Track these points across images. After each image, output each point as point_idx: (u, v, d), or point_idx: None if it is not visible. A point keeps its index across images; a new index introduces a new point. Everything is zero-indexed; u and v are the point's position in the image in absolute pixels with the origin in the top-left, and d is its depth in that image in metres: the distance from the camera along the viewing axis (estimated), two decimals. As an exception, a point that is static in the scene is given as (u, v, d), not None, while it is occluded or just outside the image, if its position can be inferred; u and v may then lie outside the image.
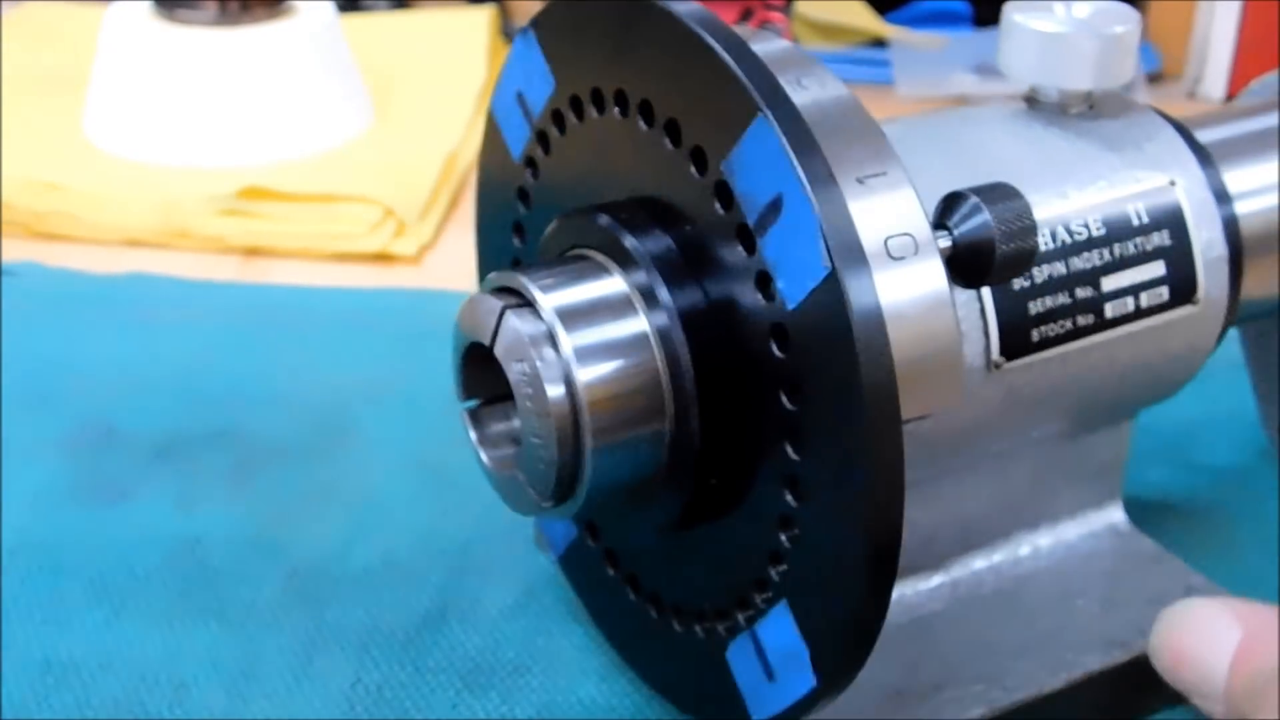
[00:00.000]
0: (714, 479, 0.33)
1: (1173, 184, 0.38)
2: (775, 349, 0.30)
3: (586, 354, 0.32)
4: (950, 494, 0.40)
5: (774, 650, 0.33)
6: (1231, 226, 0.39)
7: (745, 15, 0.90)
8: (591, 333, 0.32)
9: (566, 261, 0.34)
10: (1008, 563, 0.42)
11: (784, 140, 0.28)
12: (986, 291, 0.35)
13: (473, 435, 0.36)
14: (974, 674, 0.39)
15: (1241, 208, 0.40)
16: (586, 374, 0.32)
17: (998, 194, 0.31)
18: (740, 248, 0.31)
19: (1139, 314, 0.38)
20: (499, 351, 0.33)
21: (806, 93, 0.30)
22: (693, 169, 0.32)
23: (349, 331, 0.60)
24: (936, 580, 0.41)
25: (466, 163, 0.77)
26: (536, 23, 0.36)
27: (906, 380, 0.28)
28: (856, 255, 0.28)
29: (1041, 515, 0.42)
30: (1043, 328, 0.36)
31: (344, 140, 0.78)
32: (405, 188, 0.71)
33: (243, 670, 0.42)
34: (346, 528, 0.48)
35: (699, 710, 0.38)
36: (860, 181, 0.29)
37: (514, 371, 0.32)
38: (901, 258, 0.29)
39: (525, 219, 0.39)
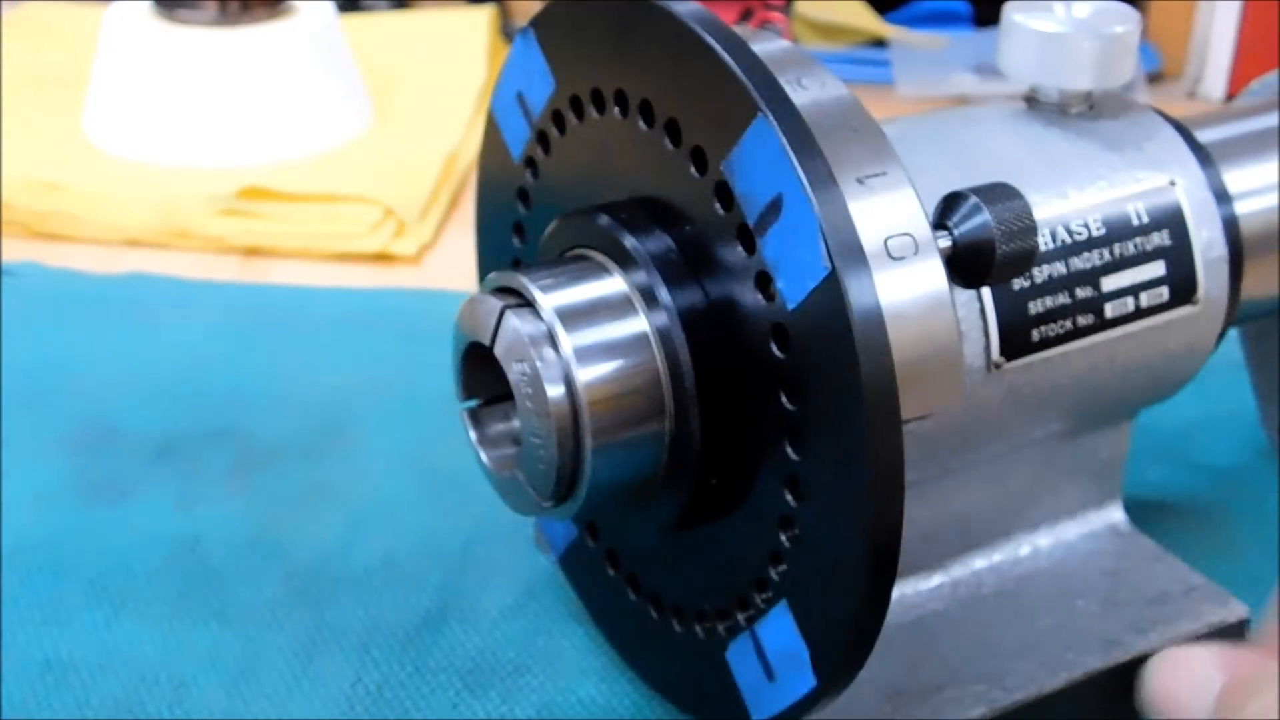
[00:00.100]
0: (714, 479, 0.33)
1: (1173, 184, 0.38)
2: (775, 349, 0.30)
3: (586, 354, 0.32)
4: (950, 494, 0.40)
5: (774, 650, 0.33)
6: (1231, 226, 0.39)
7: (745, 15, 0.90)
8: (591, 333, 0.32)
9: (566, 261, 0.34)
10: (1008, 563, 0.42)
11: (784, 140, 0.28)
12: (986, 291, 0.35)
13: (473, 435, 0.36)
14: (974, 674, 0.39)
15: (1241, 208, 0.40)
16: (586, 374, 0.32)
17: (998, 194, 0.31)
18: (740, 248, 0.31)
19: (1139, 314, 0.38)
20: (499, 351, 0.33)
21: (806, 93, 0.30)
22: (693, 169, 0.32)
23: (349, 331, 0.60)
24: (936, 580, 0.41)
25: (466, 163, 0.77)
26: (536, 23, 0.36)
27: (906, 380, 0.28)
28: (856, 255, 0.28)
29: (1041, 515, 0.42)
30: (1043, 328, 0.36)
31: (344, 140, 0.78)
32: (405, 188, 0.71)
33: (243, 670, 0.42)
34: (346, 528, 0.48)
35: (699, 710, 0.38)
36: (860, 181, 0.29)
37: (514, 371, 0.32)
38: (901, 258, 0.29)
39: (525, 219, 0.39)
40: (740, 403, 0.32)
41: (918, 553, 0.40)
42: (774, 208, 0.29)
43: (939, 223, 0.31)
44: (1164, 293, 0.38)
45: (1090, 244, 0.37)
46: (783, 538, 0.32)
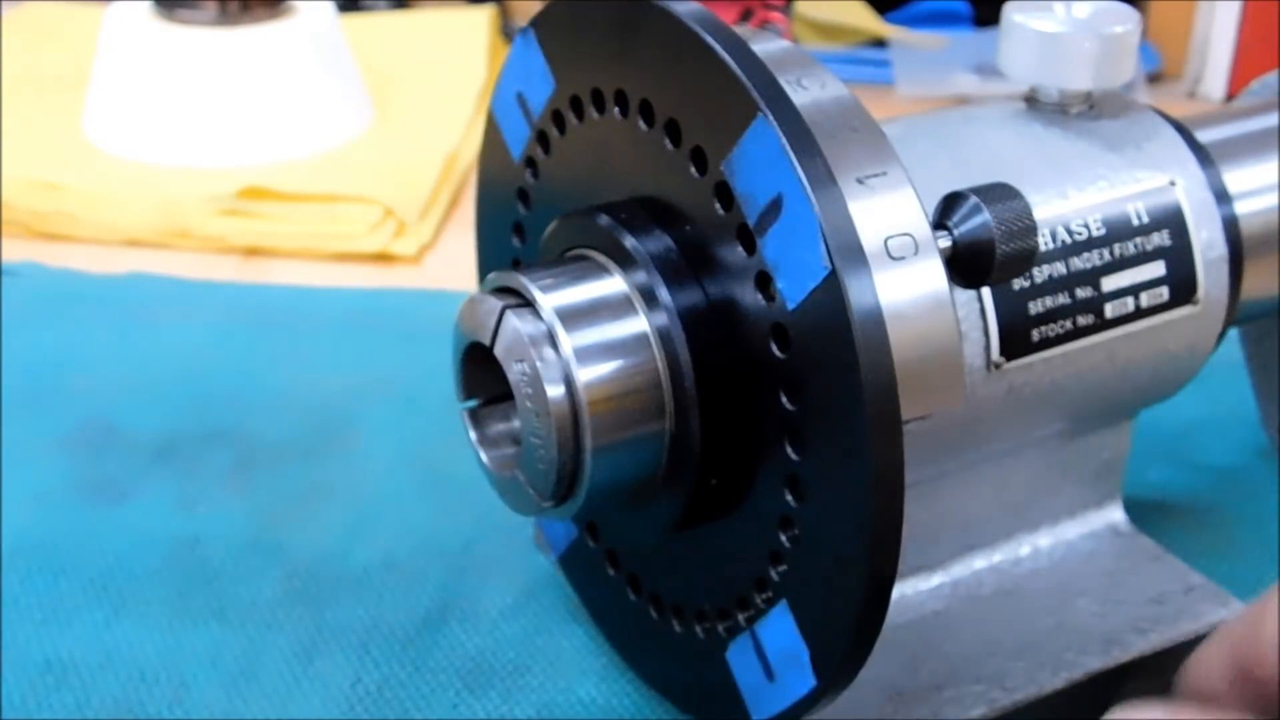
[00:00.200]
0: (714, 479, 0.33)
1: (1173, 184, 0.38)
2: (775, 349, 0.30)
3: (586, 354, 0.32)
4: (950, 494, 0.40)
5: (774, 650, 0.33)
6: (1231, 226, 0.39)
7: (745, 15, 0.90)
8: (591, 333, 0.32)
9: (566, 261, 0.34)
10: (1008, 563, 0.42)
11: (784, 140, 0.28)
12: (986, 291, 0.35)
13: (473, 435, 0.36)
14: (974, 674, 0.39)
15: (1241, 208, 0.40)
16: (586, 374, 0.32)
17: (998, 194, 0.31)
18: (740, 248, 0.31)
19: (1139, 314, 0.38)
20: (499, 351, 0.33)
21: (806, 93, 0.30)
22: (693, 169, 0.32)
23: (349, 331, 0.60)
24: (936, 580, 0.41)
25: (466, 163, 0.77)
26: (536, 23, 0.36)
27: (906, 380, 0.28)
28: (856, 255, 0.28)
29: (1042, 515, 0.42)
30: (1043, 328, 0.36)
31: (344, 140, 0.78)
32: (405, 188, 0.71)
33: (243, 670, 0.42)
34: (346, 528, 0.48)
35: (699, 710, 0.38)
36: (860, 181, 0.29)
37: (514, 371, 0.32)
38: (901, 258, 0.29)
39: (525, 219, 0.39)
40: (740, 403, 0.32)
41: (918, 553, 0.40)
42: (774, 208, 0.29)
43: (939, 223, 0.31)
44: (1164, 293, 0.38)
45: (1090, 244, 0.37)
46: (783, 538, 0.32)
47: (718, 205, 0.31)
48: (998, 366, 0.36)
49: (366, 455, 0.52)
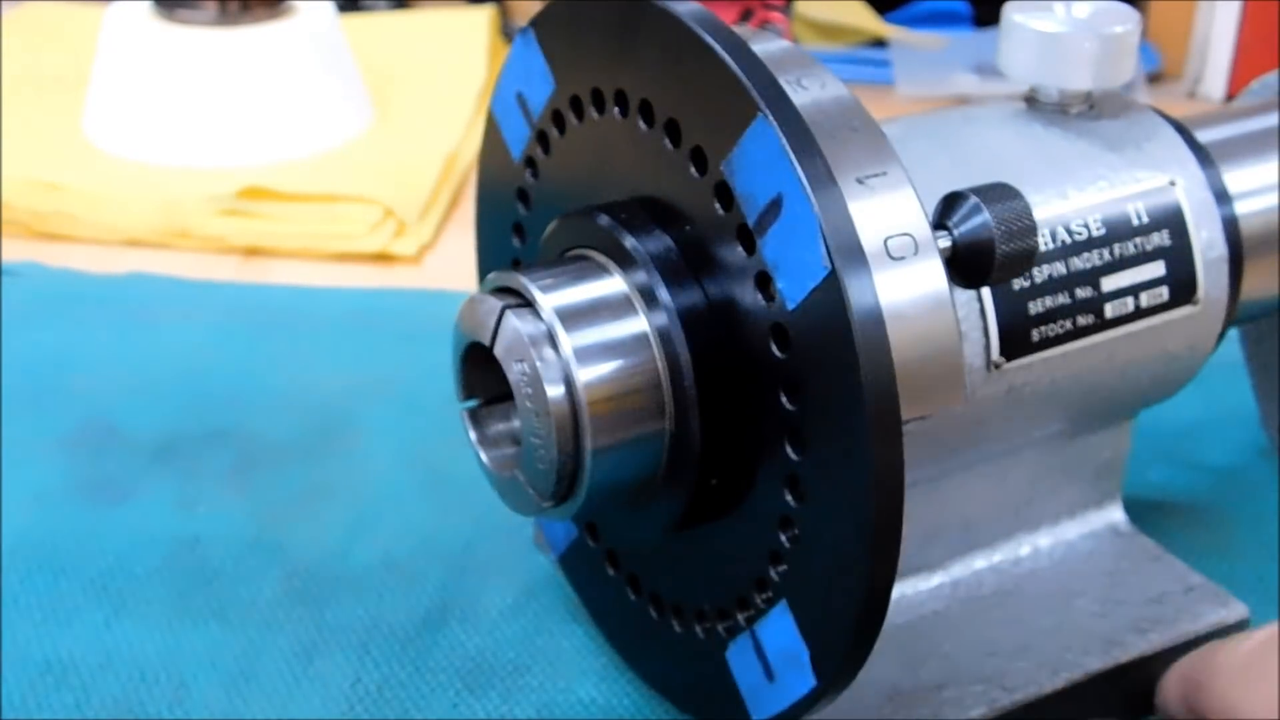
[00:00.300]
0: (714, 479, 0.33)
1: (1173, 184, 0.38)
2: (775, 349, 0.30)
3: (586, 354, 0.32)
4: (950, 494, 0.40)
5: (774, 650, 0.33)
6: (1231, 226, 0.39)
7: (745, 15, 0.90)
8: (591, 333, 0.32)
9: (566, 262, 0.34)
10: (1008, 563, 0.42)
11: (784, 140, 0.28)
12: (986, 291, 0.35)
13: (473, 435, 0.36)
14: (974, 674, 0.39)
15: (1241, 208, 0.40)
16: (586, 374, 0.32)
17: (998, 194, 0.31)
18: (740, 248, 0.31)
19: (1139, 314, 0.38)
20: (499, 351, 0.33)
21: (806, 93, 0.30)
22: (693, 169, 0.32)
23: (349, 331, 0.60)
24: (936, 580, 0.41)
25: (466, 163, 0.77)
26: (536, 23, 0.36)
27: (906, 380, 0.28)
28: (856, 255, 0.28)
29: (1042, 515, 0.42)
30: (1043, 328, 0.36)
31: (344, 140, 0.78)
32: (405, 188, 0.71)
33: (243, 670, 0.42)
34: (346, 528, 0.48)
35: (699, 710, 0.38)
36: (860, 181, 0.29)
37: (514, 371, 0.32)
38: (901, 258, 0.29)
39: (525, 219, 0.39)
40: (740, 403, 0.32)
41: (918, 553, 0.40)
42: (774, 208, 0.29)
43: (939, 223, 0.31)
44: (1164, 293, 0.38)
45: (1090, 244, 0.37)
46: (783, 538, 0.32)
47: (718, 205, 0.31)
48: (998, 366, 0.36)
49: (366, 455, 0.52)
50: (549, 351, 0.32)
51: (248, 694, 0.41)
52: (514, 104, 0.38)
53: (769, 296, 0.30)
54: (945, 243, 0.31)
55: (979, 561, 0.42)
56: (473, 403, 0.36)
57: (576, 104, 0.35)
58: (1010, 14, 0.39)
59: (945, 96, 0.86)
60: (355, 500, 0.49)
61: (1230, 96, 0.86)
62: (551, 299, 0.32)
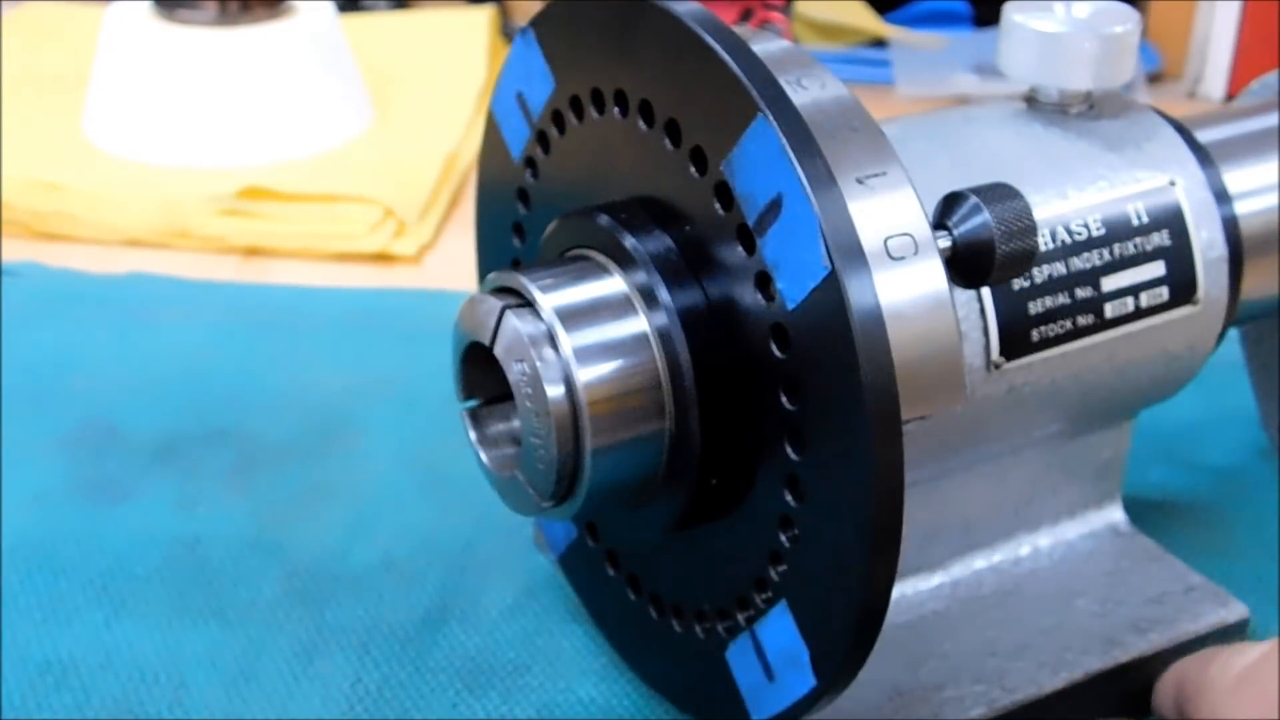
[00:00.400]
0: (714, 479, 0.33)
1: (1173, 184, 0.38)
2: (775, 349, 0.30)
3: (586, 354, 0.32)
4: (950, 494, 0.40)
5: (774, 650, 0.33)
6: (1231, 226, 0.39)
7: (745, 15, 0.90)
8: (591, 333, 0.32)
9: (566, 261, 0.34)
10: (1008, 563, 0.42)
11: (784, 140, 0.28)
12: (986, 291, 0.35)
13: (473, 435, 0.36)
14: (974, 674, 0.39)
15: (1241, 208, 0.40)
16: (586, 374, 0.32)
17: (998, 194, 0.31)
18: (740, 248, 0.31)
19: (1139, 314, 0.38)
20: (499, 351, 0.33)
21: (806, 93, 0.30)
22: (693, 169, 0.32)
23: (349, 331, 0.60)
24: (936, 580, 0.41)
25: (466, 163, 0.77)
26: (536, 23, 0.36)
27: (906, 380, 0.28)
28: (856, 255, 0.28)
29: (1042, 515, 0.42)
30: (1043, 328, 0.36)
31: (344, 140, 0.78)
32: (405, 188, 0.71)
33: (243, 670, 0.42)
34: (346, 528, 0.48)
35: (699, 710, 0.38)
36: (860, 181, 0.29)
37: (514, 371, 0.32)
38: (901, 258, 0.29)
39: (525, 219, 0.39)
40: (740, 403, 0.32)
41: (918, 553, 0.40)
42: (774, 208, 0.29)
43: (939, 223, 0.31)
44: (1164, 293, 0.38)
45: (1090, 244, 0.37)
46: (783, 538, 0.32)
47: (718, 205, 0.31)
48: (998, 366, 0.36)
49: (366, 455, 0.52)
50: (549, 351, 0.32)
51: (248, 694, 0.41)
52: (514, 104, 0.38)
53: (769, 296, 0.30)
54: (945, 243, 0.31)
55: (979, 561, 0.42)
56: (473, 403, 0.36)
57: (576, 104, 0.35)
58: (1010, 14, 0.39)
59: (945, 96, 0.86)
60: (355, 500, 0.49)
61: (1230, 96, 0.86)
62: (551, 299, 0.32)
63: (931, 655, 0.39)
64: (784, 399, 0.30)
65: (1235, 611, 0.41)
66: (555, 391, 0.31)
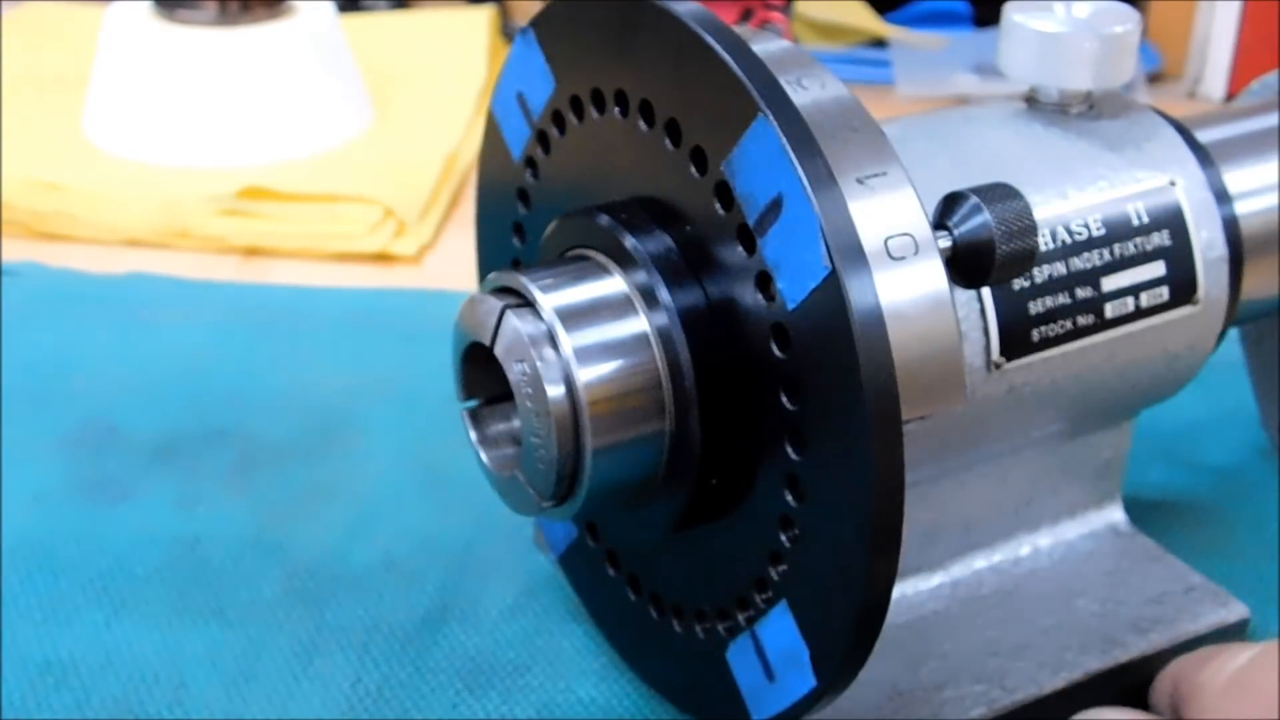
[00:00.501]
0: (714, 479, 0.33)
1: (1173, 184, 0.38)
2: (775, 349, 0.30)
3: (586, 354, 0.32)
4: (950, 494, 0.40)
5: (774, 650, 0.33)
6: (1231, 226, 0.39)
7: (745, 15, 0.90)
8: (591, 333, 0.32)
9: (567, 261, 0.34)
10: (1008, 563, 0.42)
11: (784, 140, 0.28)
12: (986, 291, 0.35)
13: (473, 435, 0.36)
14: (974, 674, 0.39)
15: (1241, 208, 0.40)
16: (586, 374, 0.32)
17: (998, 194, 0.31)
18: (740, 248, 0.31)
19: (1139, 314, 0.38)
20: (499, 351, 0.33)
21: (806, 93, 0.30)
22: (693, 169, 0.32)
23: (349, 331, 0.60)
24: (936, 580, 0.41)
25: (466, 163, 0.77)
26: (536, 23, 0.36)
27: (906, 380, 0.28)
28: (856, 255, 0.28)
29: (1042, 515, 0.42)
30: (1043, 328, 0.36)
31: (344, 140, 0.78)
32: (405, 188, 0.71)
33: (243, 670, 0.42)
34: (346, 528, 0.48)
35: (699, 710, 0.38)
36: (860, 182, 0.29)
37: (514, 371, 0.32)
38: (901, 258, 0.29)
39: (525, 219, 0.39)
40: (740, 402, 0.32)
41: (918, 553, 0.40)
42: (774, 208, 0.29)
43: (939, 223, 0.31)
44: (1164, 293, 0.38)
45: (1090, 244, 0.37)
46: (783, 538, 0.32)
47: (718, 205, 0.31)
48: (998, 366, 0.36)
49: (366, 455, 0.52)
50: (549, 351, 0.32)
51: (248, 694, 0.41)
52: (514, 104, 0.38)
53: (769, 296, 0.30)
54: (945, 243, 0.31)
55: (979, 561, 0.42)
56: (473, 403, 0.36)
57: (576, 104, 0.35)
58: (1010, 14, 0.39)
59: (945, 96, 0.86)
60: (355, 500, 0.49)
61: (1230, 96, 0.86)
62: (552, 299, 0.32)
63: (931, 655, 0.39)
64: (784, 399, 0.30)
65: (1235, 611, 0.41)
66: (555, 391, 0.31)
